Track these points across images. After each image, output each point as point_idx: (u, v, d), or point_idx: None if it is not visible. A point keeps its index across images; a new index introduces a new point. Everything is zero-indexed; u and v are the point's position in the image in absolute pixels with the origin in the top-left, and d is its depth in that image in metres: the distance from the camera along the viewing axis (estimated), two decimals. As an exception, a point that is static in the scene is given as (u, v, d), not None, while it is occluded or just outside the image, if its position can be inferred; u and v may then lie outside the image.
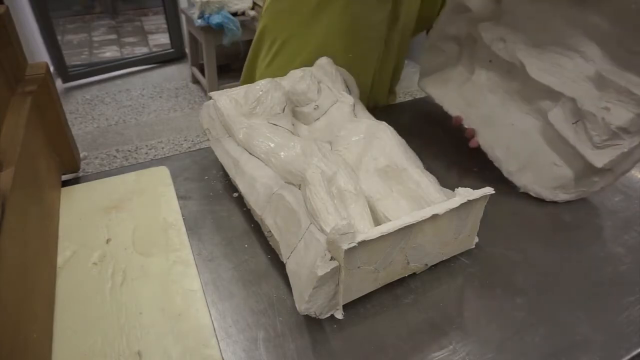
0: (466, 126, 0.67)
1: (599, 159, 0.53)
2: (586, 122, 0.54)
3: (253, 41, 0.82)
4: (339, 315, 0.42)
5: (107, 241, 0.51)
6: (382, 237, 0.39)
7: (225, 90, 0.61)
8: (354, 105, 0.62)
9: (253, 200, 0.51)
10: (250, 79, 0.85)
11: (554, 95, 0.58)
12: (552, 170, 0.59)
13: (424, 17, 0.79)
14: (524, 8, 0.60)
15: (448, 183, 0.52)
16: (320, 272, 0.38)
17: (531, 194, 0.60)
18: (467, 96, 0.70)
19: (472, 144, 0.66)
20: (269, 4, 0.76)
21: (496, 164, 0.63)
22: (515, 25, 0.62)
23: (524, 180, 0.61)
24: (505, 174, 0.62)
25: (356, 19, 0.71)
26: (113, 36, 3.57)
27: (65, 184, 0.60)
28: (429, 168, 0.53)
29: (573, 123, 0.55)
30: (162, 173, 0.62)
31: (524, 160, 0.61)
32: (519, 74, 0.62)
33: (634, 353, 0.42)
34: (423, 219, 0.41)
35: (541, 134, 0.61)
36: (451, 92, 0.72)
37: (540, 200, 0.61)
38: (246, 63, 0.85)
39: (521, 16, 0.61)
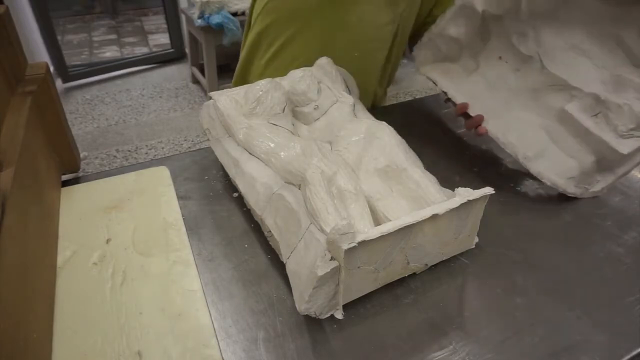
0: (472, 114, 0.65)
1: (623, 147, 0.54)
2: (609, 113, 0.55)
3: (248, 41, 0.79)
4: (339, 315, 0.42)
5: (107, 241, 0.51)
6: (382, 237, 0.39)
7: (225, 90, 0.61)
8: (354, 105, 0.62)
9: (253, 200, 0.51)
10: (244, 80, 0.83)
11: (568, 92, 0.59)
12: (568, 161, 0.59)
13: (420, 14, 0.79)
14: (545, 11, 0.61)
15: (448, 183, 0.52)
16: (320, 272, 0.38)
17: (546, 182, 0.60)
18: (470, 89, 0.69)
19: (480, 131, 0.63)
20: (265, 3, 0.74)
21: (509, 150, 0.62)
22: (534, 25, 0.63)
23: (541, 167, 0.60)
24: (521, 159, 0.61)
25: (362, 19, 0.70)
26: (113, 36, 3.56)
27: (65, 184, 0.60)
28: (429, 168, 0.53)
29: (592, 116, 0.56)
30: (162, 173, 0.62)
31: (540, 147, 0.61)
32: (531, 71, 0.63)
33: (634, 353, 0.42)
34: (423, 219, 0.41)
35: (551, 130, 0.61)
36: (455, 81, 0.71)
37: (540, 200, 0.61)
38: (240, 63, 0.83)
39: (541, 18, 0.62)
